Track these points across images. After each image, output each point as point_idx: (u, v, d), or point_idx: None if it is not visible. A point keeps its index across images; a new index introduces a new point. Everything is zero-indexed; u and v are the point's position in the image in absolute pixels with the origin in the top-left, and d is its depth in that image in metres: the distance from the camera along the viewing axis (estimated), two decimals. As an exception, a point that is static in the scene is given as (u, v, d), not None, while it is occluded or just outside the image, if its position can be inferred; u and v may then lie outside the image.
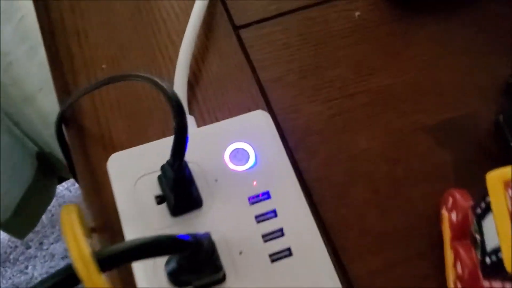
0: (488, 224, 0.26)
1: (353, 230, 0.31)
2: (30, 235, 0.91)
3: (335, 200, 0.32)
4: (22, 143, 0.74)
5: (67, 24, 0.37)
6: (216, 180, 0.29)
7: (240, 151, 0.30)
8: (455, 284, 0.28)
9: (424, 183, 0.32)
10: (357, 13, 0.39)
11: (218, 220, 0.28)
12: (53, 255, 0.93)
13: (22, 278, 0.85)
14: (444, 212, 0.30)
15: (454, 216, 0.29)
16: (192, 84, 0.35)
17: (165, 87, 0.24)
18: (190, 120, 0.32)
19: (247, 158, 0.30)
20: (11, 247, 0.92)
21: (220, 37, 0.37)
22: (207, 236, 0.25)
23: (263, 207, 0.28)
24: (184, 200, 0.27)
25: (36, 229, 0.88)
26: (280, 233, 0.28)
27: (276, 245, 0.28)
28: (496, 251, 0.25)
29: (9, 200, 0.73)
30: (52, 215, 1.01)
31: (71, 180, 1.02)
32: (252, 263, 0.27)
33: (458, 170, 0.33)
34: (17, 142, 0.71)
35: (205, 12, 0.36)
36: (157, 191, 0.28)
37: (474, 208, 0.28)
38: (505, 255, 0.23)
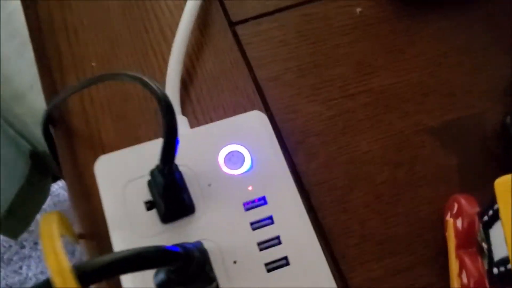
0: (496, 232, 0.25)
1: (354, 237, 0.30)
2: (25, 235, 0.90)
3: (334, 205, 0.30)
4: (15, 141, 0.73)
5: (55, 20, 0.36)
6: (209, 185, 0.27)
7: (235, 154, 0.28)
8: (460, 295, 0.27)
9: (427, 187, 0.31)
10: (358, 9, 0.37)
11: (212, 227, 0.26)
12: (47, 255, 0.91)
13: (16, 278, 0.84)
14: (449, 219, 0.29)
15: (459, 223, 0.28)
16: (186, 83, 0.33)
17: (154, 86, 0.22)
18: (183, 120, 0.30)
19: (242, 161, 0.28)
20: (5, 247, 0.91)
21: (215, 33, 0.35)
22: (199, 246, 0.24)
23: (259, 213, 0.27)
24: (175, 206, 0.26)
25: (31, 228, 0.86)
26: (276, 241, 0.27)
27: (273, 253, 0.26)
28: (505, 261, 0.24)
29: (3, 200, 0.72)
30: (47, 215, 1.00)
31: (67, 179, 1.00)
32: (247, 273, 0.26)
33: (463, 174, 0.32)
34: (9, 141, 0.70)
35: (199, 7, 0.35)
36: (147, 196, 0.27)
37: (481, 215, 0.27)
38: (515, 266, 0.22)
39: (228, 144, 0.28)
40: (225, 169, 0.28)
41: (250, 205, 0.27)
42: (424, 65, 0.35)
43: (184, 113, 0.32)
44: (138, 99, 0.33)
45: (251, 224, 0.27)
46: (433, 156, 0.32)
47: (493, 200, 0.25)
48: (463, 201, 0.28)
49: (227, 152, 0.28)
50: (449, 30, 0.37)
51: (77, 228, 0.30)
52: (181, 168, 0.28)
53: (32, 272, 0.86)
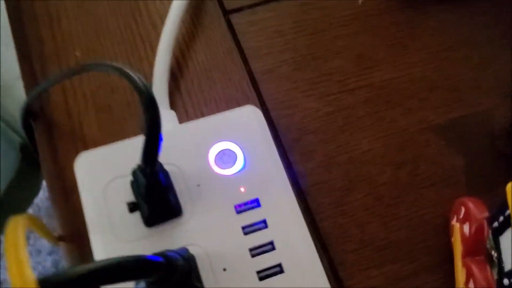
0: (507, 240, 0.24)
1: (353, 242, 0.28)
2: (15, 229, 0.87)
3: (332, 208, 0.29)
4: (4, 134, 0.71)
5: (37, 6, 0.33)
6: (198, 185, 0.25)
7: (227, 152, 0.26)
8: (467, 306, 0.25)
9: (431, 189, 0.30)
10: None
11: (200, 231, 0.24)
12: (39, 251, 0.89)
13: (7, 274, 0.81)
14: (455, 223, 0.27)
15: (466, 228, 0.26)
16: (176, 75, 0.31)
17: (135, 77, 0.20)
18: (171, 115, 0.28)
19: (235, 160, 0.26)
20: (-4, 242, 0.88)
21: (208, 22, 0.33)
22: (184, 253, 0.22)
23: (251, 216, 0.25)
24: (159, 208, 0.24)
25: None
26: (270, 246, 0.25)
27: (266, 260, 0.24)
28: (517, 272, 0.22)
29: (-8, 194, 0.70)
30: (39, 209, 0.98)
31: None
32: (238, 281, 0.24)
33: (470, 175, 0.30)
34: (-3, 133, 0.67)
35: (191, -6, 0.33)
36: (130, 197, 0.25)
37: (490, 220, 0.25)
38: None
39: (219, 141, 0.26)
40: (216, 168, 0.26)
41: (242, 208, 0.25)
42: (428, 59, 0.34)
43: (173, 107, 0.30)
44: (124, 91, 0.31)
45: (243, 228, 0.25)
46: (438, 156, 0.30)
47: (504, 205, 0.23)
48: (470, 205, 0.26)
49: (218, 150, 0.26)
50: (453, 23, 0.35)
51: (57, 230, 0.28)
52: (167, 167, 0.26)
53: (21, 268, 0.84)
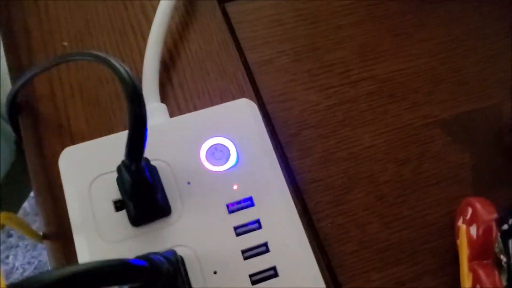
0: (518, 244, 0.22)
1: (352, 243, 0.27)
2: (12, 223, 0.87)
3: (331, 207, 0.27)
4: (-1, 126, 0.69)
5: (24, -8, 0.32)
6: (188, 183, 0.24)
7: (219, 148, 0.25)
8: (473, 313, 0.24)
9: (436, 188, 0.28)
10: (363, -13, 0.33)
11: (189, 231, 0.23)
12: (35, 245, 0.89)
13: (3, 268, 0.81)
14: (461, 225, 0.26)
15: (473, 230, 0.25)
16: (167, 66, 0.30)
17: (117, 65, 0.19)
18: (161, 108, 0.27)
19: (227, 157, 0.25)
20: (-9, 236, 0.88)
21: (202, 11, 0.32)
22: (170, 256, 0.20)
23: (244, 216, 0.24)
24: (146, 207, 0.22)
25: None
26: (264, 248, 0.23)
27: (259, 263, 0.23)
28: (528, 279, 0.20)
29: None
30: (30, 206, 0.97)
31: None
32: (229, 285, 0.22)
33: (478, 173, 0.29)
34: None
35: (185, -19, 0.31)
36: (117, 194, 0.23)
37: (499, 222, 0.24)
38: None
39: (211, 137, 0.25)
40: (207, 165, 0.24)
41: (234, 207, 0.24)
42: (434, 51, 0.32)
43: (164, 99, 0.28)
44: (114, 83, 0.29)
45: (235, 228, 0.23)
46: (443, 152, 0.29)
47: (514, 206, 0.21)
48: (478, 206, 0.25)
49: (210, 146, 0.25)
50: (461, 13, 0.33)
51: (42, 228, 0.27)
52: (156, 163, 0.24)
53: (19, 262, 0.83)
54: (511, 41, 0.32)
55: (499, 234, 0.24)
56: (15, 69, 0.30)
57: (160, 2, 0.30)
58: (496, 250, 0.24)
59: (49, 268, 0.26)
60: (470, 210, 0.25)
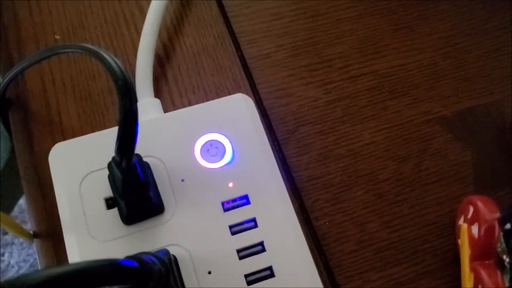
0: (521, 244, 0.21)
1: (351, 242, 0.26)
2: (8, 220, 0.86)
3: (329, 205, 0.27)
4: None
5: (14, -16, 0.31)
6: (182, 180, 0.23)
7: (214, 144, 0.24)
8: (475, 314, 0.23)
9: (437, 186, 0.28)
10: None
11: (183, 230, 0.22)
12: (31, 243, 0.88)
13: (-2, 265, 0.80)
14: (462, 224, 0.25)
15: (475, 230, 0.24)
16: (162, 60, 0.29)
17: (107, 58, 0.18)
18: (155, 103, 0.26)
19: (222, 153, 0.24)
20: (-13, 233, 0.87)
21: (198, 3, 0.31)
22: (162, 256, 0.20)
23: (240, 214, 0.23)
24: (138, 205, 0.22)
25: (14, 214, 0.83)
26: (260, 247, 0.23)
27: (255, 263, 0.22)
28: (532, 280, 0.20)
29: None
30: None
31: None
32: (224, 286, 0.22)
33: (480, 171, 0.28)
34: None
35: (180, -27, 0.30)
36: (108, 192, 0.23)
37: (501, 221, 0.23)
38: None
39: (206, 133, 0.24)
40: (202, 161, 0.24)
41: (229, 205, 0.23)
42: (437, 45, 0.31)
43: (157, 94, 0.28)
44: (106, 78, 0.29)
45: (230, 227, 0.23)
46: (445, 150, 0.28)
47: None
48: (480, 204, 0.24)
49: (204, 142, 0.24)
50: (464, 7, 0.33)
51: (32, 226, 0.26)
52: (149, 160, 0.23)
53: (14, 260, 0.83)
54: (514, 36, 0.32)
55: (501, 233, 0.23)
56: (5, 63, 0.30)
57: (155, -5, 0.29)
58: (499, 250, 0.23)
59: (39, 268, 0.25)
60: (471, 209, 0.25)
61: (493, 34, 0.32)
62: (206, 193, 0.23)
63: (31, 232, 0.27)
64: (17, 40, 0.30)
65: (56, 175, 0.24)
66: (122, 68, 0.19)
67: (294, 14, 0.31)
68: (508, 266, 0.22)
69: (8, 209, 0.81)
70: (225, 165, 0.24)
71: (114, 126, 0.26)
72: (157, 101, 0.26)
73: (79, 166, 0.23)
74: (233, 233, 0.23)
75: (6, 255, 0.83)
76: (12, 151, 0.75)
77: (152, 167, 0.23)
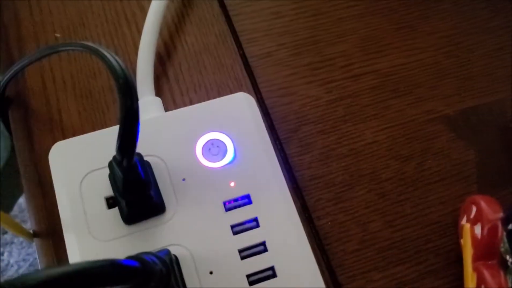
0: (525, 244, 0.21)
1: (353, 242, 0.26)
2: (8, 219, 0.85)
3: (332, 205, 0.26)
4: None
5: (15, -18, 0.31)
6: (183, 180, 0.23)
7: (216, 143, 0.24)
8: (478, 315, 0.23)
9: (440, 185, 0.28)
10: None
11: (185, 230, 0.22)
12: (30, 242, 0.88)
13: (-2, 264, 0.80)
14: (465, 224, 0.25)
15: (478, 229, 0.24)
16: (163, 58, 0.29)
17: (108, 56, 0.18)
18: (156, 102, 0.26)
19: (224, 152, 0.24)
20: (-14, 232, 0.87)
21: (199, 2, 0.31)
22: (163, 256, 0.20)
23: (241, 214, 0.23)
24: (139, 205, 0.21)
25: (13, 213, 0.82)
26: (262, 247, 0.23)
27: (257, 263, 0.22)
28: (536, 281, 0.20)
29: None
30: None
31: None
32: (226, 286, 0.21)
33: (483, 170, 0.28)
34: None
35: (181, -29, 0.30)
36: (109, 191, 0.23)
37: (504, 221, 0.23)
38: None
39: (207, 132, 0.24)
40: (203, 161, 0.24)
41: (231, 205, 0.23)
42: (439, 44, 0.31)
43: (158, 93, 0.27)
44: (107, 76, 0.28)
45: (232, 227, 0.23)
46: (448, 149, 0.28)
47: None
48: (483, 204, 0.24)
49: (206, 141, 0.24)
50: (467, 6, 0.32)
51: (32, 225, 0.26)
52: (150, 159, 0.23)
53: (14, 259, 0.82)
54: (517, 35, 0.32)
55: (504, 233, 0.23)
56: (5, 61, 0.30)
57: (156, -7, 0.29)
58: (502, 250, 0.23)
59: (39, 267, 0.25)
60: (474, 209, 0.25)
61: (496, 33, 0.32)
62: (208, 193, 0.23)
63: (31, 232, 0.26)
64: (17, 38, 0.30)
65: (56, 174, 0.23)
66: (123, 66, 0.18)
67: (294, 13, 0.31)
68: (511, 266, 0.22)
69: (8, 208, 0.80)
70: (227, 164, 0.24)
71: (114, 124, 0.26)
72: (158, 99, 0.26)
73: (79, 165, 0.23)
74: (234, 233, 0.22)
75: (6, 254, 0.83)
76: (12, 150, 0.75)
77: (153, 166, 0.23)
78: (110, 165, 0.21)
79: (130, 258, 0.18)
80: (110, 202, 0.23)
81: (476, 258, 0.24)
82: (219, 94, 0.28)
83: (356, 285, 0.25)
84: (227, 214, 0.23)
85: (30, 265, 0.82)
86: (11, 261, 0.82)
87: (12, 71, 0.25)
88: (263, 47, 0.30)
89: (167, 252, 0.20)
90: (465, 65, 0.30)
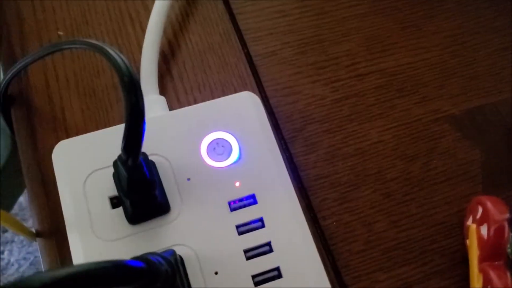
0: (533, 245, 0.21)
1: (359, 242, 0.26)
2: (8, 218, 0.85)
3: (337, 205, 0.26)
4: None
5: (17, -20, 0.31)
6: (188, 179, 0.23)
7: (221, 143, 0.24)
8: (484, 316, 0.23)
9: (446, 186, 0.27)
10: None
11: (189, 230, 0.22)
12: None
13: (-2, 263, 0.80)
14: (471, 224, 0.25)
15: (484, 230, 0.24)
16: (167, 57, 0.29)
17: (113, 54, 0.17)
18: (160, 101, 0.26)
19: (229, 152, 0.24)
20: (-13, 231, 0.87)
21: (204, 2, 0.30)
22: (169, 257, 0.19)
23: (246, 214, 0.23)
24: (144, 204, 0.21)
25: (14, 212, 0.82)
26: (267, 248, 0.22)
27: (262, 263, 0.22)
28: (544, 282, 0.19)
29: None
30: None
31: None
32: (231, 287, 0.21)
33: (489, 170, 0.28)
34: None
35: (185, -31, 0.30)
36: (113, 191, 0.22)
37: (511, 222, 0.22)
38: None
39: (212, 131, 0.24)
40: (208, 160, 0.23)
41: (236, 205, 0.23)
42: (444, 44, 0.31)
43: (163, 92, 0.27)
44: (110, 74, 0.28)
45: (237, 227, 0.22)
46: (453, 149, 0.28)
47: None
48: (489, 205, 0.24)
49: (211, 140, 0.24)
50: (471, 5, 0.32)
51: (35, 225, 0.26)
52: (155, 158, 0.23)
53: (14, 258, 0.82)
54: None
55: (511, 234, 0.23)
56: (8, 59, 0.29)
57: (160, -9, 0.29)
58: (508, 251, 0.23)
59: (42, 267, 0.25)
60: (480, 209, 0.24)
61: (501, 32, 0.31)
62: (213, 192, 0.23)
63: (32, 230, 0.26)
64: (20, 36, 0.29)
65: (59, 173, 0.23)
66: (128, 64, 0.18)
67: (299, 12, 0.31)
68: (519, 267, 0.22)
69: (8, 207, 0.80)
70: (232, 164, 0.23)
71: (118, 123, 0.26)
72: (162, 98, 0.26)
73: (83, 164, 0.23)
74: (240, 233, 0.22)
75: (6, 252, 0.83)
76: (13, 148, 0.74)
77: (157, 166, 0.23)
78: (115, 164, 0.21)
79: (136, 258, 0.18)
80: (114, 202, 0.22)
81: (482, 259, 0.23)
82: (224, 93, 0.28)
83: (361, 285, 0.25)
84: (232, 214, 0.23)
85: (31, 263, 0.82)
86: (12, 259, 0.82)
87: (14, 69, 0.25)
88: (267, 46, 0.30)
89: (172, 252, 0.20)
90: (471, 65, 0.30)
